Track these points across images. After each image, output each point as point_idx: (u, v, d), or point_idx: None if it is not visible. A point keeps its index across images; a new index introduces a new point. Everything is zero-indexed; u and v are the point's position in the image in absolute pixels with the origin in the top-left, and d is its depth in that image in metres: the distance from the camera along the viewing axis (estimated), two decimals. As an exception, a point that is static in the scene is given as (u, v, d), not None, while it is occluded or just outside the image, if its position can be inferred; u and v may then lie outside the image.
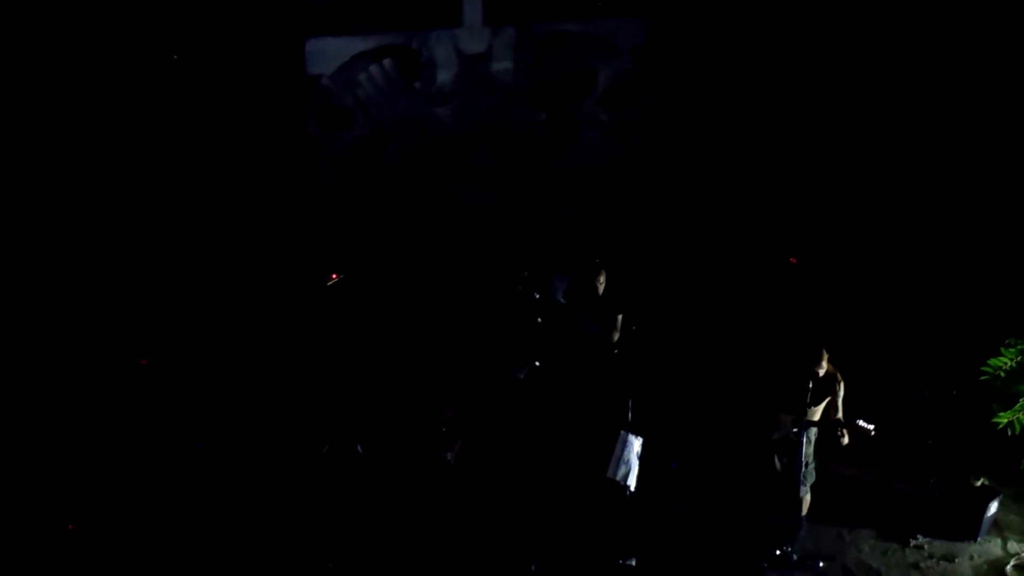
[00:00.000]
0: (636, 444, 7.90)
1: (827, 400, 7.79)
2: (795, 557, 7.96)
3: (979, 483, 8.40)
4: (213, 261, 11.16)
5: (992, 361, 7.87)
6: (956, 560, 8.17)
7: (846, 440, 7.78)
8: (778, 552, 7.95)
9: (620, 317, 9.38)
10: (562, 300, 9.86)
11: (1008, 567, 8.08)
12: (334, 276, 10.36)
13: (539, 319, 9.73)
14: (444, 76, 11.78)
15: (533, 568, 7.89)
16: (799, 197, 11.72)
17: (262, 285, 11.09)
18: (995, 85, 10.63)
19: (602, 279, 9.31)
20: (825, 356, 7.69)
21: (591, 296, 9.37)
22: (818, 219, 11.64)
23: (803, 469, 7.84)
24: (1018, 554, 8.21)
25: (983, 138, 10.76)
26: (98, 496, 8.50)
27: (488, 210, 12.22)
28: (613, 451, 7.82)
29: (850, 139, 11.49)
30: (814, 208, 11.66)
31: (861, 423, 7.60)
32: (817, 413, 7.81)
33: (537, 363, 9.60)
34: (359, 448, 8.93)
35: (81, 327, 10.38)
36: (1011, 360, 7.85)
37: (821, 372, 7.67)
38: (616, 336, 9.38)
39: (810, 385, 7.58)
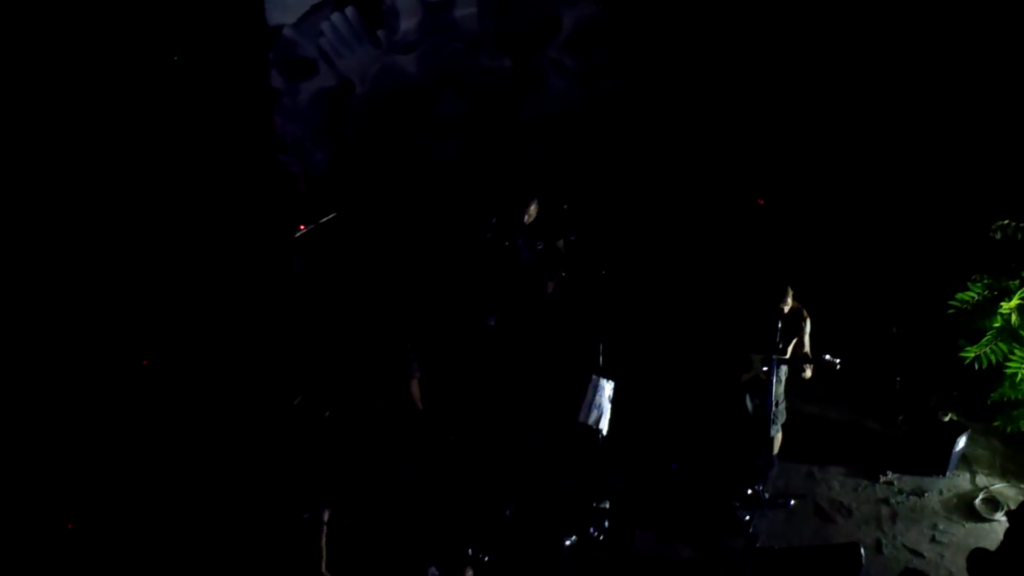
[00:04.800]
0: (607, 388, 7.89)
1: (795, 338, 7.82)
2: (767, 496, 8.02)
3: (947, 418, 8.44)
4: (178, 218, 11.03)
5: (959, 295, 7.93)
6: (926, 495, 8.26)
7: (808, 374, 7.82)
8: (750, 491, 8.01)
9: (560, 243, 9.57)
10: (536, 248, 9.81)
11: (977, 501, 8.17)
12: (302, 227, 10.28)
13: (507, 266, 9.69)
14: (407, 24, 11.61)
15: (508, 514, 7.90)
16: (766, 137, 11.69)
17: (227, 240, 10.98)
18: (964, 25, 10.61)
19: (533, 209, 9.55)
20: (790, 292, 7.70)
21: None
22: (785, 159, 11.62)
23: (773, 409, 7.89)
24: (986, 487, 8.30)
25: (957, 75, 10.74)
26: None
27: (454, 158, 12.12)
28: (584, 396, 7.81)
29: (818, 79, 11.43)
30: (781, 148, 11.63)
31: (827, 357, 7.63)
32: (787, 351, 7.84)
33: (507, 310, 9.58)
34: (331, 399, 8.89)
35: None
36: (978, 294, 7.90)
37: (786, 308, 7.69)
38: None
39: (779, 325, 7.60)
